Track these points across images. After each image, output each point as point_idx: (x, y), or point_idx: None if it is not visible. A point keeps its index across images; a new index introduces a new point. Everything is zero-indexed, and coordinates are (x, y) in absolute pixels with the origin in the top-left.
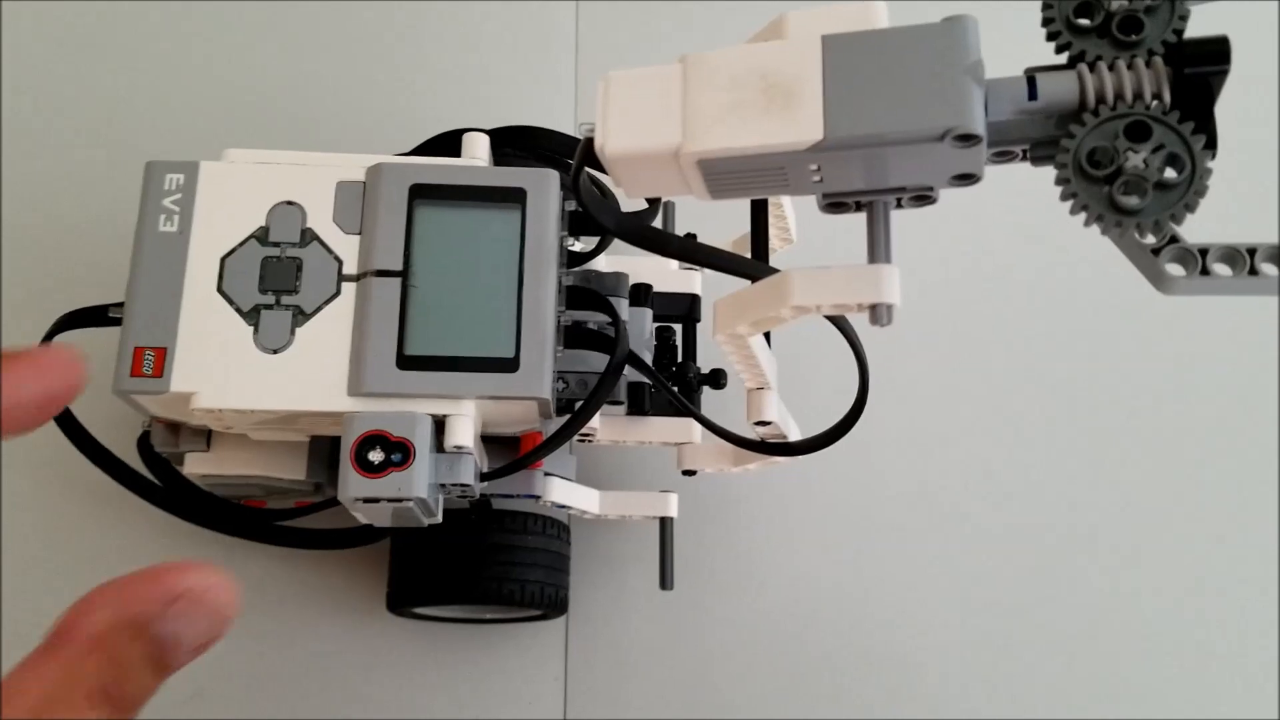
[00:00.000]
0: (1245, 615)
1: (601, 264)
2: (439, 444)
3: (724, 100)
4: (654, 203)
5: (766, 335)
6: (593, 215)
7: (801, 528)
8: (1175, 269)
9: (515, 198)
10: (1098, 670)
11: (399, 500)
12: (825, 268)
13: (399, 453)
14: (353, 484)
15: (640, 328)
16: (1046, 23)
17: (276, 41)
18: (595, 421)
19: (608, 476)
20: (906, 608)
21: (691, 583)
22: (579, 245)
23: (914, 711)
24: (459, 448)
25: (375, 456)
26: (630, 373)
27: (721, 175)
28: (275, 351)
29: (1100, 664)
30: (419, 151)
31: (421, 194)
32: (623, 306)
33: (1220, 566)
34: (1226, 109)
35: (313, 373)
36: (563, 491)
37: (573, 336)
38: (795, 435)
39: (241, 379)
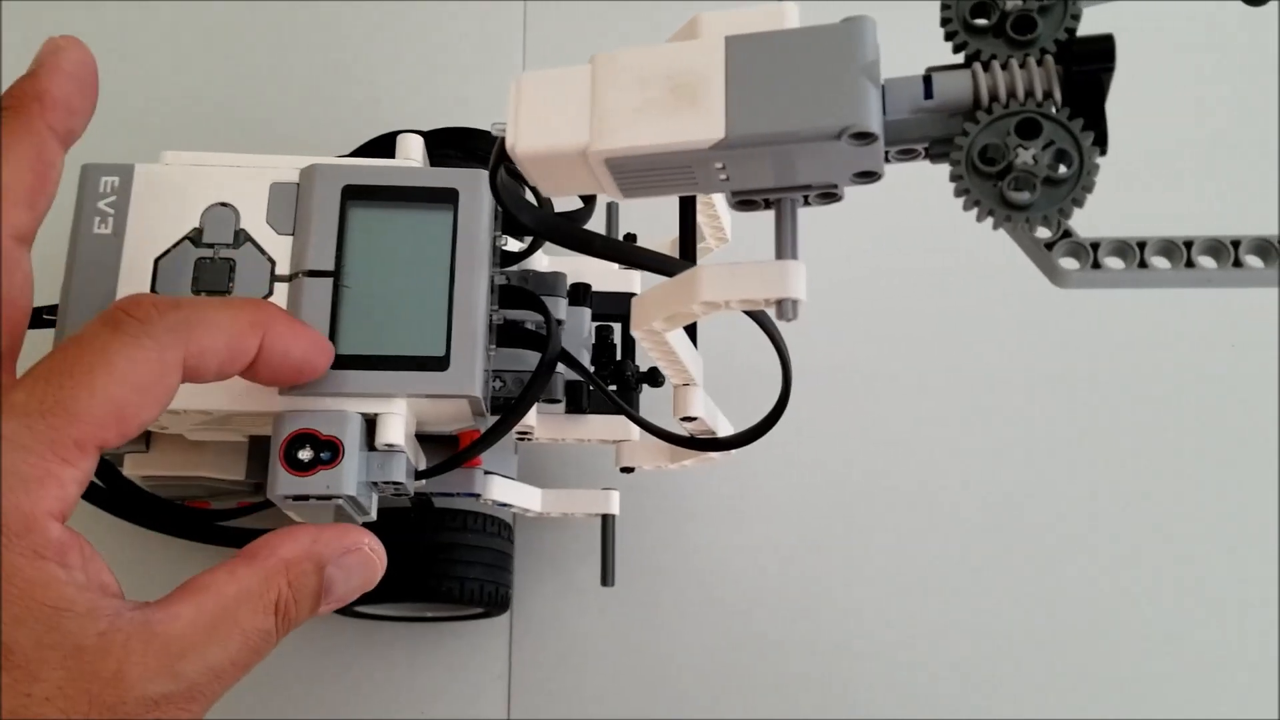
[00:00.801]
0: (1244, 615)
1: (545, 263)
2: (370, 442)
3: (631, 100)
4: (589, 201)
5: (692, 334)
6: (511, 214)
7: (745, 523)
8: (1069, 262)
9: (447, 198)
10: (1056, 659)
11: (328, 498)
12: (735, 264)
13: (328, 451)
14: (282, 482)
15: (579, 326)
16: (945, 23)
17: (221, 43)
18: (533, 419)
19: (555, 474)
20: (854, 601)
21: (636, 579)
22: (518, 245)
23: (860, 704)
24: (390, 446)
25: (304, 455)
26: (570, 371)
27: (630, 174)
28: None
29: (1056, 652)
30: (358, 154)
31: (354, 195)
32: (561, 305)
33: (1218, 565)
34: (1227, 109)
35: None
36: (504, 490)
37: (506, 335)
38: (725, 430)
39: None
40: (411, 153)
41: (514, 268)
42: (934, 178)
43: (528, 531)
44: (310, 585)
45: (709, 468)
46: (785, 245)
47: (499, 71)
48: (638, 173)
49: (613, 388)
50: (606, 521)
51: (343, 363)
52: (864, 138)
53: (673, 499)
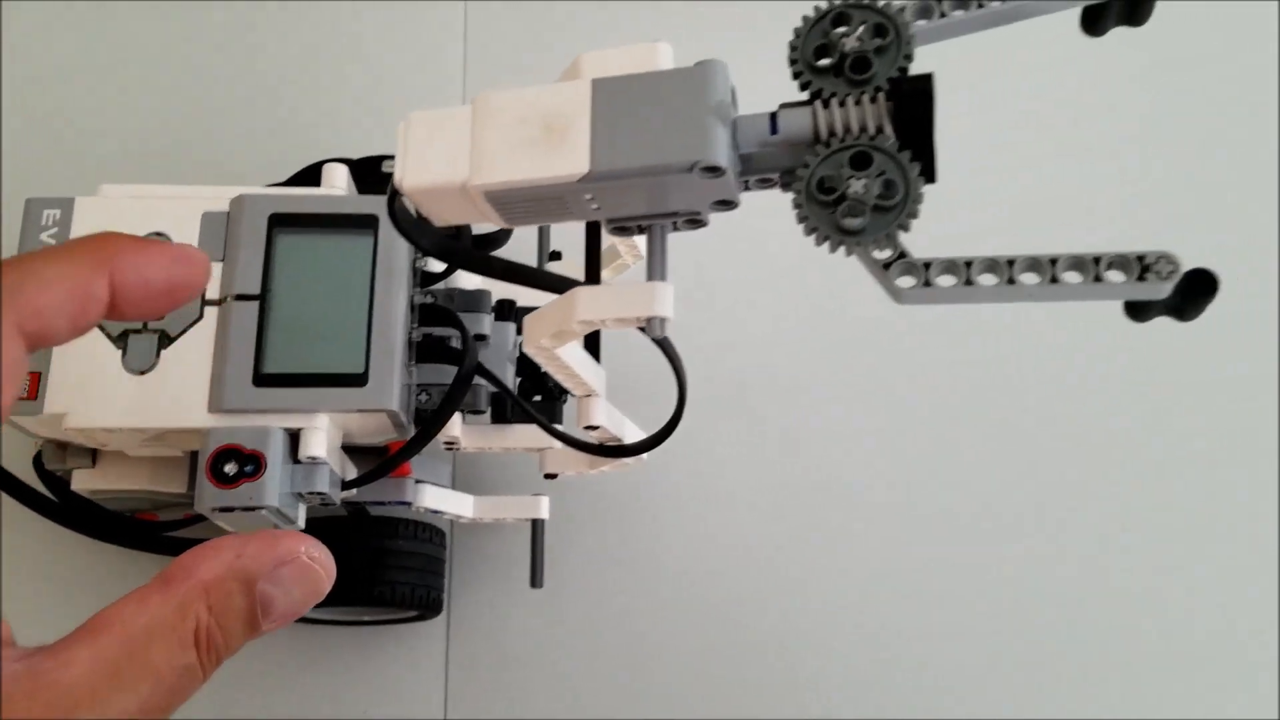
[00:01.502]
0: (1244, 615)
1: (478, 280)
2: (295, 455)
3: (507, 138)
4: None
5: (595, 348)
6: (410, 239)
7: (677, 524)
8: (905, 281)
9: (368, 224)
10: (1001, 650)
11: (252, 509)
12: (609, 285)
13: (252, 464)
14: (208, 495)
15: (504, 341)
16: (792, 63)
17: (163, 76)
18: (457, 430)
19: (496, 479)
20: (787, 597)
21: (570, 580)
22: (441, 265)
23: (796, 699)
24: (313, 459)
25: (230, 469)
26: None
27: (509, 205)
28: (142, 373)
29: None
30: (291, 182)
31: (281, 222)
32: (485, 321)
33: (1218, 565)
34: (1227, 108)
35: (176, 392)
36: (435, 497)
37: (427, 351)
38: (632, 436)
39: (109, 400)
40: (336, 181)
41: (440, 286)
42: None
43: (467, 536)
44: (238, 607)
45: (635, 471)
46: (655, 268)
47: (439, 74)
48: (516, 204)
49: (538, 398)
50: (536, 526)
51: (267, 380)
52: (713, 171)
53: (607, 501)
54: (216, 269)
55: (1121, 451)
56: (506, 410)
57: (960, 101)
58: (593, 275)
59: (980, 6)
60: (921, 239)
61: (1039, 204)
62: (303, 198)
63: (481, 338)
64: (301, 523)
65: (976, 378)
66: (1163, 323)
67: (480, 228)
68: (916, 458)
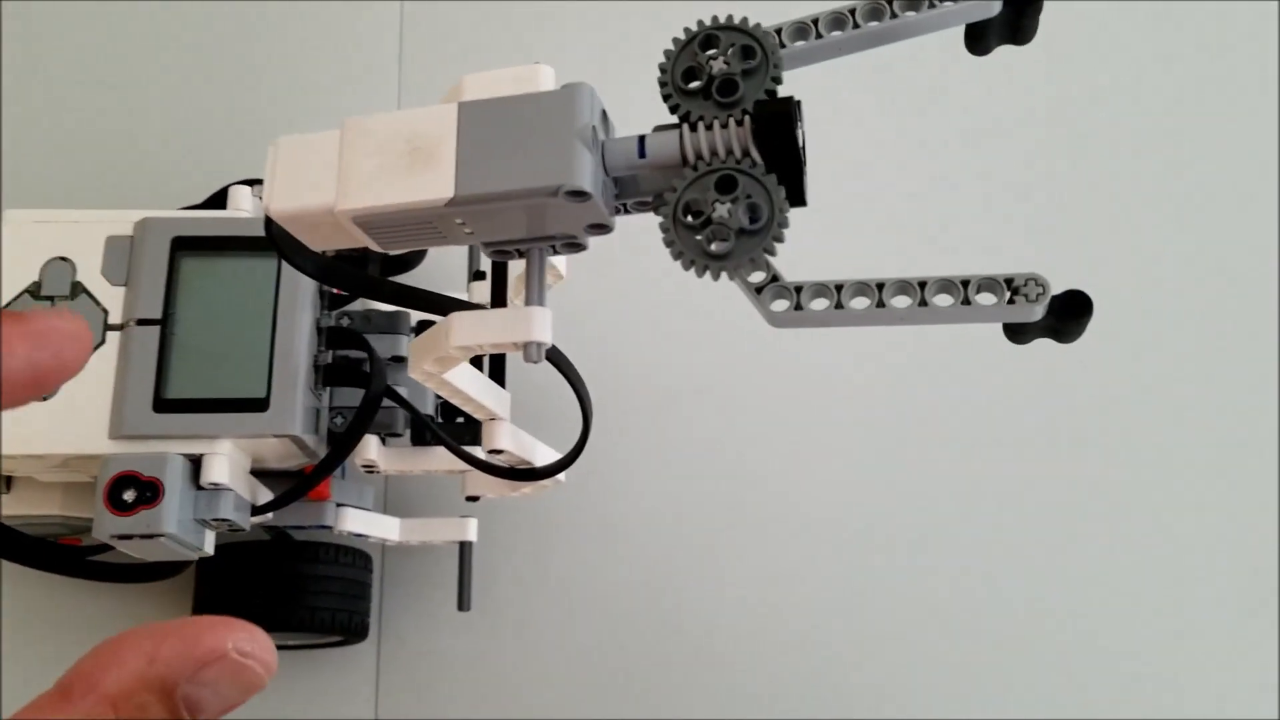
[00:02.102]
0: (1244, 615)
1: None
2: (198, 481)
3: (373, 163)
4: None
5: (500, 370)
6: (290, 262)
7: (607, 543)
8: (779, 304)
9: (270, 245)
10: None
11: (150, 536)
12: (486, 311)
13: (150, 491)
14: (105, 523)
15: None
16: (662, 85)
17: (83, 95)
18: (374, 453)
19: (425, 500)
20: (722, 615)
21: (501, 602)
22: None
23: (726, 715)
24: (215, 485)
25: (128, 495)
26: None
27: (381, 230)
28: (44, 399)
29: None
30: (205, 205)
31: (184, 245)
32: (404, 343)
33: (1218, 566)
34: (1228, 109)
35: (78, 418)
36: (357, 521)
37: (334, 374)
38: (543, 457)
39: (11, 427)
40: (241, 204)
41: (358, 307)
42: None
43: (398, 559)
44: (155, 716)
45: (563, 490)
46: (532, 292)
47: (375, 73)
48: (387, 229)
49: (461, 420)
50: (464, 548)
51: (167, 406)
52: (578, 195)
53: (536, 522)
54: (120, 292)
55: (1113, 449)
56: (426, 432)
57: (851, 123)
58: (498, 298)
59: (857, 27)
60: (839, 262)
61: (939, 224)
62: (206, 220)
63: (400, 359)
64: (209, 548)
65: (932, 375)
66: (1132, 326)
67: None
68: (854, 465)
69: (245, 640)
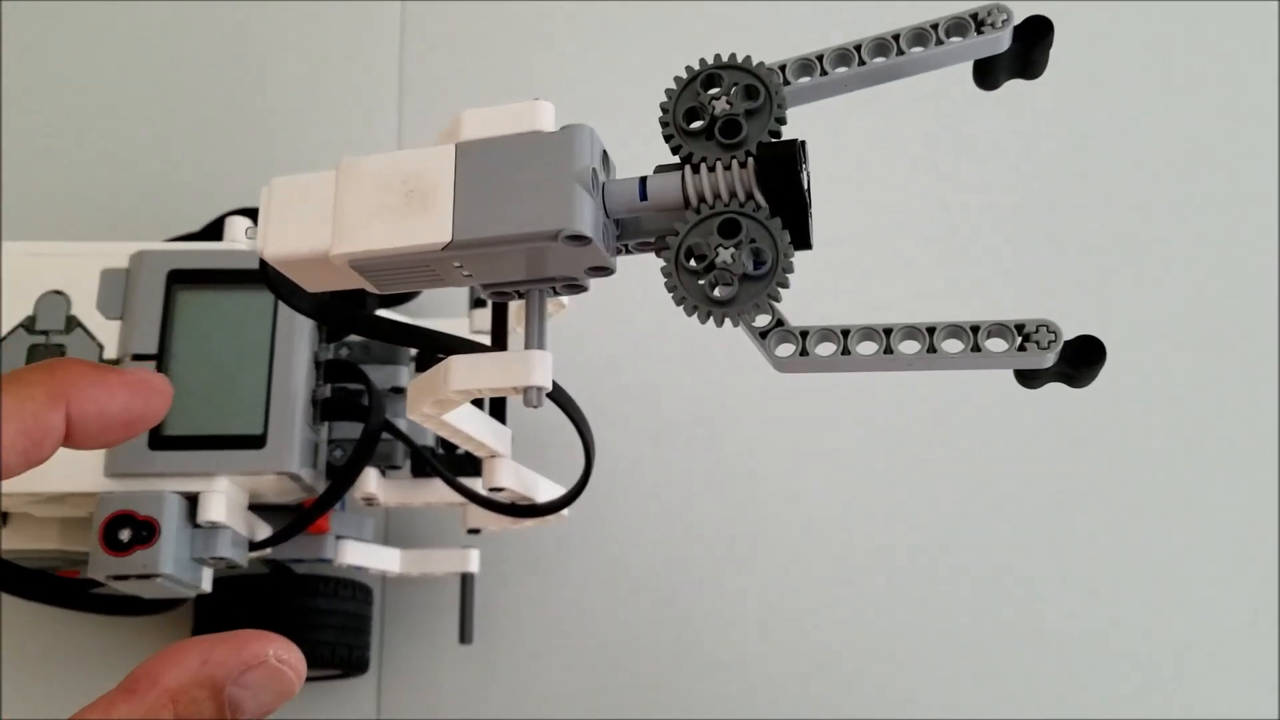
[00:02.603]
0: (1244, 615)
1: None
2: (194, 519)
3: (369, 205)
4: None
5: (501, 409)
6: (286, 301)
7: (610, 576)
8: (784, 349)
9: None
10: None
11: (146, 576)
12: (484, 355)
13: (147, 530)
14: (100, 563)
15: None
16: (664, 125)
17: (82, 120)
18: (373, 487)
19: (427, 533)
20: (721, 650)
21: (502, 634)
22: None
23: None
24: (212, 523)
25: (124, 535)
26: (415, 436)
27: (376, 273)
28: None
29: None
30: (200, 235)
31: (180, 279)
32: (404, 374)
33: (1218, 565)
34: (1228, 109)
35: (73, 455)
36: (357, 554)
37: (332, 408)
38: (545, 492)
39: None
40: (237, 235)
41: (355, 339)
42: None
43: (399, 590)
44: (206, 714)
45: (562, 524)
46: (532, 335)
47: (374, 78)
48: (383, 272)
49: (460, 451)
50: (466, 580)
51: (163, 443)
52: (578, 239)
53: (539, 553)
54: (115, 326)
55: (1116, 451)
56: (425, 465)
57: (856, 160)
58: (498, 339)
59: (862, 64)
60: (845, 304)
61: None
62: (202, 253)
63: (400, 390)
64: (207, 586)
65: (935, 395)
66: (1137, 337)
67: None
68: (857, 496)
69: (283, 649)
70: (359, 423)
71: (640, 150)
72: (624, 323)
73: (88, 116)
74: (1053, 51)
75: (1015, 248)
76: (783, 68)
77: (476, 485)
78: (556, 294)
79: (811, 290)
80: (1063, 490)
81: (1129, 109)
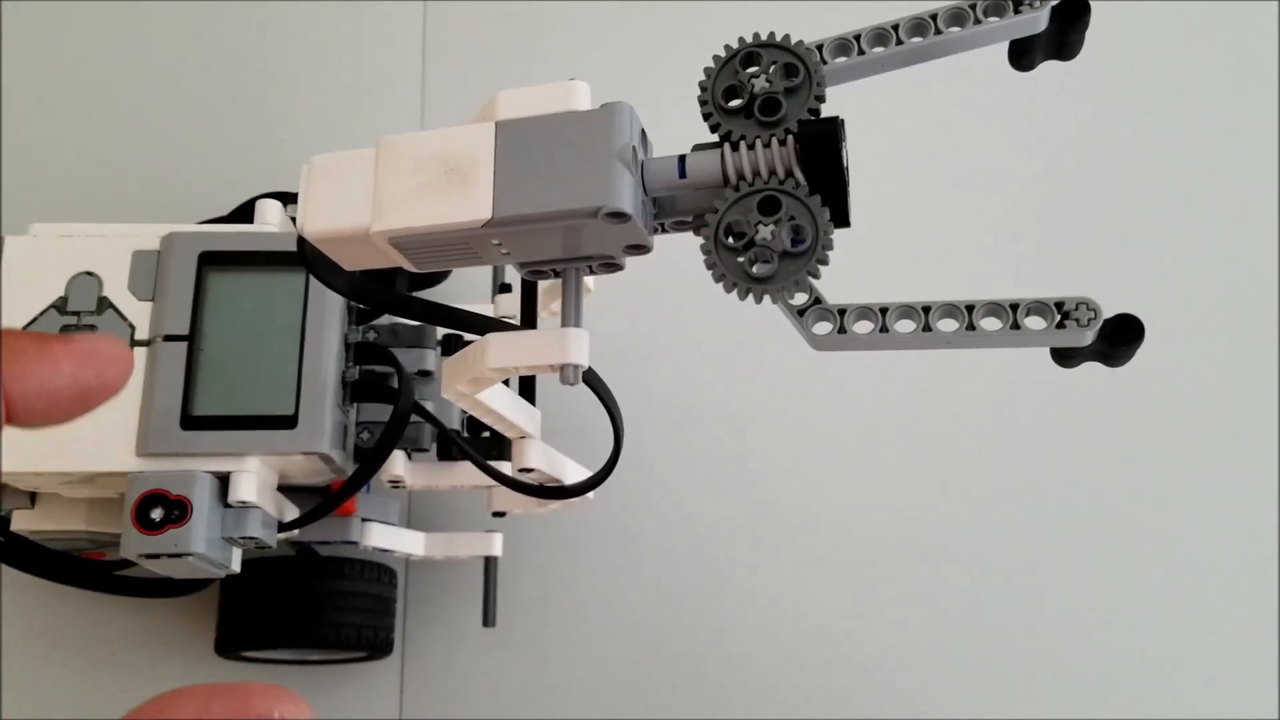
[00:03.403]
0: (1244, 615)
1: None
2: (225, 499)
3: (409, 183)
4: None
5: (530, 389)
6: (324, 281)
7: (634, 560)
8: (821, 327)
9: (299, 261)
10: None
11: (177, 555)
12: (521, 332)
13: (178, 510)
14: (132, 542)
15: None
16: (702, 104)
17: (107, 105)
18: (400, 469)
19: (450, 516)
20: (751, 634)
21: (525, 618)
22: None
23: None
24: (243, 503)
25: (156, 514)
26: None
27: (415, 250)
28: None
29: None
30: (229, 218)
31: (211, 260)
32: (430, 357)
33: (1218, 565)
34: (1227, 110)
35: (104, 435)
36: (382, 536)
37: (362, 389)
38: (573, 474)
39: (37, 443)
40: (269, 218)
41: (382, 321)
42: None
43: (422, 573)
44: None
45: (589, 506)
46: (569, 313)
47: (397, 73)
48: (422, 249)
49: (488, 434)
50: (489, 563)
51: (195, 423)
52: (618, 216)
53: (563, 537)
54: (147, 308)
55: (1119, 451)
56: (452, 447)
57: (892, 140)
58: (528, 318)
59: (899, 44)
60: (897, 283)
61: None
62: (234, 235)
63: (426, 373)
64: (236, 566)
65: (954, 386)
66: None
67: None
68: (876, 484)
69: (291, 709)
70: (387, 405)
71: (662, 136)
72: (648, 315)
73: (118, 107)
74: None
75: (1040, 236)
76: (820, 48)
77: (503, 468)
78: (593, 272)
79: (849, 270)
80: (1073, 491)
81: (1164, 89)
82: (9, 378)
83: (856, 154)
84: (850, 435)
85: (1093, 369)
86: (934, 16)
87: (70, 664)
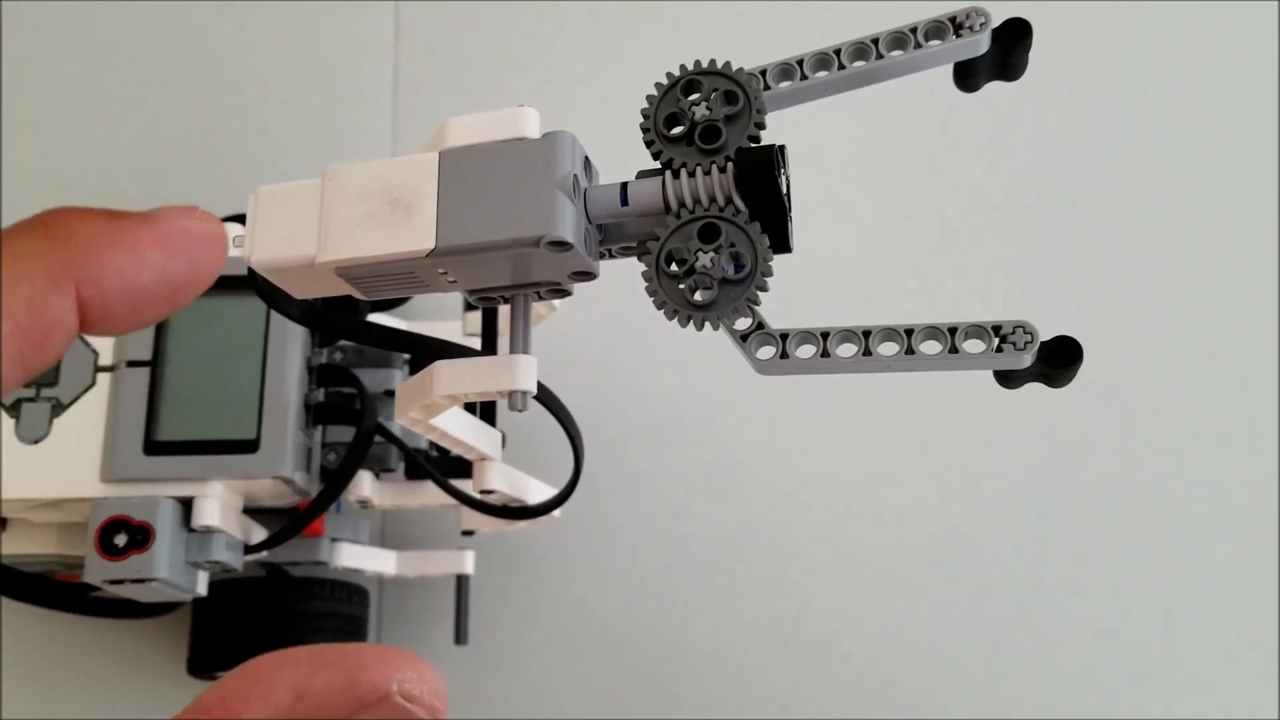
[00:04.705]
0: (1244, 615)
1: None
2: (189, 524)
3: (354, 213)
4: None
5: (490, 411)
6: (275, 308)
7: (608, 576)
8: (765, 351)
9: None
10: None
11: (141, 580)
12: (469, 359)
13: (141, 535)
14: (96, 567)
15: None
16: (644, 131)
17: (79, 121)
18: (368, 490)
19: (424, 533)
20: (727, 651)
21: (500, 636)
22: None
23: None
24: (207, 528)
25: (120, 540)
26: (408, 439)
27: (362, 280)
28: (35, 442)
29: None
30: None
31: None
32: (398, 376)
33: (1218, 565)
34: (1228, 110)
35: (69, 461)
36: (352, 556)
37: (324, 412)
38: (537, 493)
39: (3, 470)
40: (238, 233)
41: (348, 342)
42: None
43: (397, 592)
44: None
45: (558, 525)
46: (517, 339)
47: (368, 81)
48: (369, 279)
49: (454, 454)
50: (461, 581)
51: (158, 449)
52: (560, 246)
53: (535, 553)
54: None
55: (1117, 449)
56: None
57: (842, 161)
58: (488, 343)
59: (842, 68)
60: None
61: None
62: None
63: (393, 393)
64: (202, 590)
65: (941, 384)
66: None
67: None
68: (857, 493)
69: (413, 681)
70: (353, 426)
71: (640, 150)
72: (620, 320)
73: (75, 119)
74: (1043, 50)
75: (1009, 248)
76: (764, 72)
77: (468, 487)
78: (541, 298)
79: (800, 294)
80: (1063, 489)
81: (1116, 104)
82: (84, 277)
83: (822, 172)
84: (832, 435)
85: (1094, 369)
86: (875, 41)
87: (39, 683)
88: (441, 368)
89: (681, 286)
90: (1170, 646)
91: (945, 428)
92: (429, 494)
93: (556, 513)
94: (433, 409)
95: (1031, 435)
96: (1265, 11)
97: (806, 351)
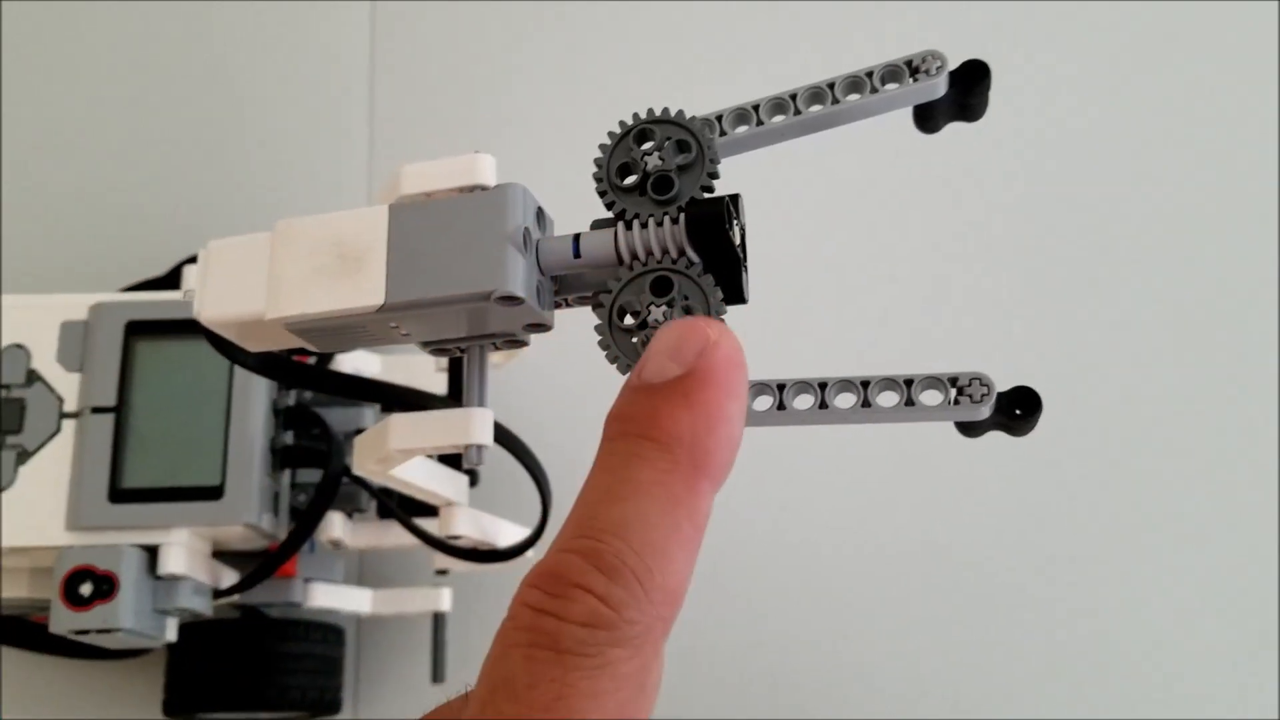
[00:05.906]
0: (1244, 615)
1: (375, 370)
2: (155, 571)
3: (303, 268)
4: None
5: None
6: (231, 358)
7: None
8: (761, 402)
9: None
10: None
11: (106, 631)
12: (424, 413)
13: (106, 585)
14: (61, 618)
15: None
16: (598, 181)
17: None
18: (339, 531)
19: (400, 571)
20: (701, 684)
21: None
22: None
23: None
24: (173, 575)
25: (85, 589)
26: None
27: (313, 334)
28: (0, 490)
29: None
30: (163, 281)
31: (138, 330)
32: (369, 415)
33: (1218, 565)
34: (1228, 111)
35: (34, 509)
36: (326, 596)
37: (289, 455)
38: (508, 536)
39: None
40: (192, 284)
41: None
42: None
43: (374, 630)
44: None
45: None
46: (472, 393)
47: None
48: (320, 334)
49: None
50: (438, 619)
51: (123, 496)
52: (510, 300)
53: (510, 591)
54: (76, 379)
55: (1117, 450)
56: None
57: (804, 210)
58: (455, 392)
59: (798, 113)
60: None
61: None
62: (160, 304)
63: (363, 431)
64: (171, 636)
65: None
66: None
67: None
68: (860, 498)
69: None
70: (321, 469)
71: None
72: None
73: (43, 141)
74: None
75: (1008, 248)
76: (720, 117)
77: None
78: (497, 349)
79: (777, 343)
80: (1059, 494)
81: (1116, 104)
82: (713, 441)
83: (775, 225)
84: (822, 443)
85: (1094, 369)
86: (832, 85)
87: (43, 683)
88: (396, 421)
89: (634, 340)
90: (1170, 647)
91: (940, 429)
92: (402, 534)
93: (530, 553)
94: (391, 461)
95: (1029, 438)
96: (1265, 11)
97: (763, 403)
